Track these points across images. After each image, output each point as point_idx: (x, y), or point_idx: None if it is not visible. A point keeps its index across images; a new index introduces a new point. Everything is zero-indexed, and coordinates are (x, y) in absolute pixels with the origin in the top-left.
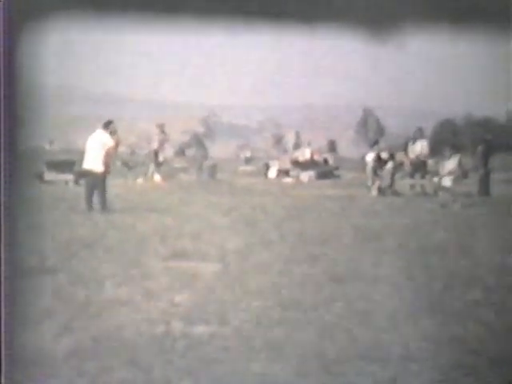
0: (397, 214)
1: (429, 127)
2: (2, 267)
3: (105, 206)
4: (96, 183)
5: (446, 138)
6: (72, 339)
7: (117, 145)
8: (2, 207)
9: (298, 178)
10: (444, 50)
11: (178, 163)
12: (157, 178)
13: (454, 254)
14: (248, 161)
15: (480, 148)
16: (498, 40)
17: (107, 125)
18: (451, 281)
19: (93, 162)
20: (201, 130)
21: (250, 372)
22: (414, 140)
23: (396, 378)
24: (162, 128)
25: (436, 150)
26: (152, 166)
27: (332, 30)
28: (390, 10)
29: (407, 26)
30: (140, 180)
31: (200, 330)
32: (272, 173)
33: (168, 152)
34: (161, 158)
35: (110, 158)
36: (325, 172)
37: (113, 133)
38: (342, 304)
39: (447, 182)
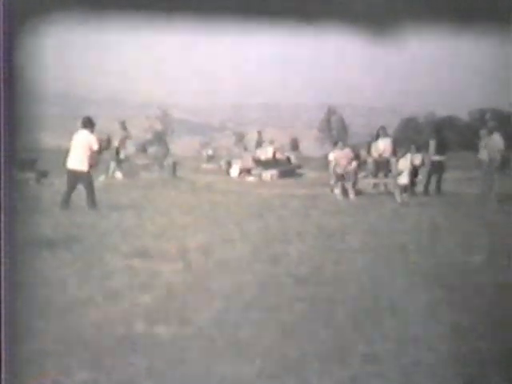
0: (360, 213)
1: (392, 126)
2: None
3: (94, 204)
4: (82, 182)
5: (409, 136)
6: (33, 340)
7: (100, 145)
8: None
9: (260, 176)
10: (426, 48)
11: (140, 160)
12: (118, 175)
13: (416, 253)
14: (210, 159)
15: (431, 143)
16: (498, 40)
17: (85, 123)
18: (413, 280)
19: (77, 162)
20: (162, 127)
21: (212, 372)
22: (377, 138)
23: (357, 378)
24: (123, 125)
25: (399, 148)
26: (113, 164)
27: (330, 29)
28: (390, 10)
29: (407, 25)
30: (101, 177)
31: (162, 330)
32: (234, 171)
33: (130, 149)
34: (122, 156)
35: (94, 157)
36: (287, 171)
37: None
38: (304, 304)
39: (403, 179)
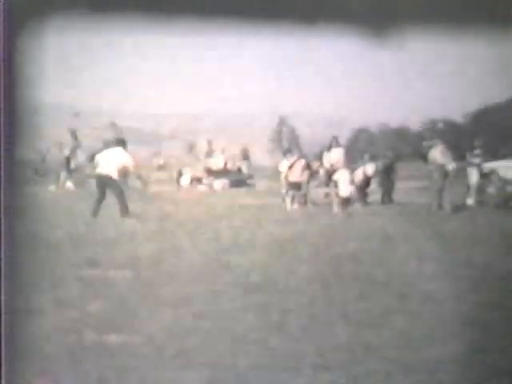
0: (311, 222)
1: (344, 136)
2: None
3: (127, 211)
4: (112, 190)
5: (362, 147)
6: None
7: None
8: None
9: (211, 186)
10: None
11: (90, 170)
12: (69, 185)
13: (368, 262)
14: (160, 168)
15: (384, 160)
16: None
17: (119, 143)
18: (365, 289)
19: (107, 168)
20: (113, 136)
21: (161, 381)
22: (330, 149)
23: None
24: (73, 134)
25: (351, 158)
26: (64, 173)
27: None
28: (390, 11)
29: (407, 26)
30: (52, 187)
31: (112, 338)
32: (185, 180)
33: (80, 158)
34: (73, 165)
35: (124, 172)
36: (238, 180)
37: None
38: (254, 313)
39: (344, 191)
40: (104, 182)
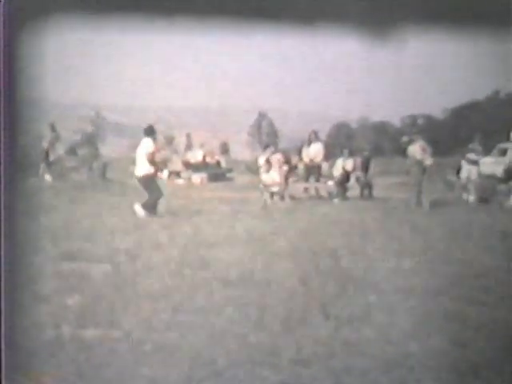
0: (290, 217)
1: (324, 130)
2: None
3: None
4: (147, 185)
5: (341, 141)
6: None
7: (157, 149)
8: None
9: (190, 179)
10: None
11: (69, 162)
12: (47, 177)
13: (347, 257)
14: None
15: (361, 158)
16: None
17: (148, 131)
18: (344, 284)
19: (142, 168)
20: (91, 129)
21: (140, 376)
22: (309, 143)
23: (288, 382)
24: (52, 127)
25: (331, 153)
26: (42, 166)
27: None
28: (390, 11)
29: (407, 26)
30: (31, 180)
31: (90, 333)
32: (164, 174)
33: (59, 151)
34: (52, 158)
35: (153, 161)
36: (217, 174)
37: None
38: (233, 308)
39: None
40: (146, 181)
